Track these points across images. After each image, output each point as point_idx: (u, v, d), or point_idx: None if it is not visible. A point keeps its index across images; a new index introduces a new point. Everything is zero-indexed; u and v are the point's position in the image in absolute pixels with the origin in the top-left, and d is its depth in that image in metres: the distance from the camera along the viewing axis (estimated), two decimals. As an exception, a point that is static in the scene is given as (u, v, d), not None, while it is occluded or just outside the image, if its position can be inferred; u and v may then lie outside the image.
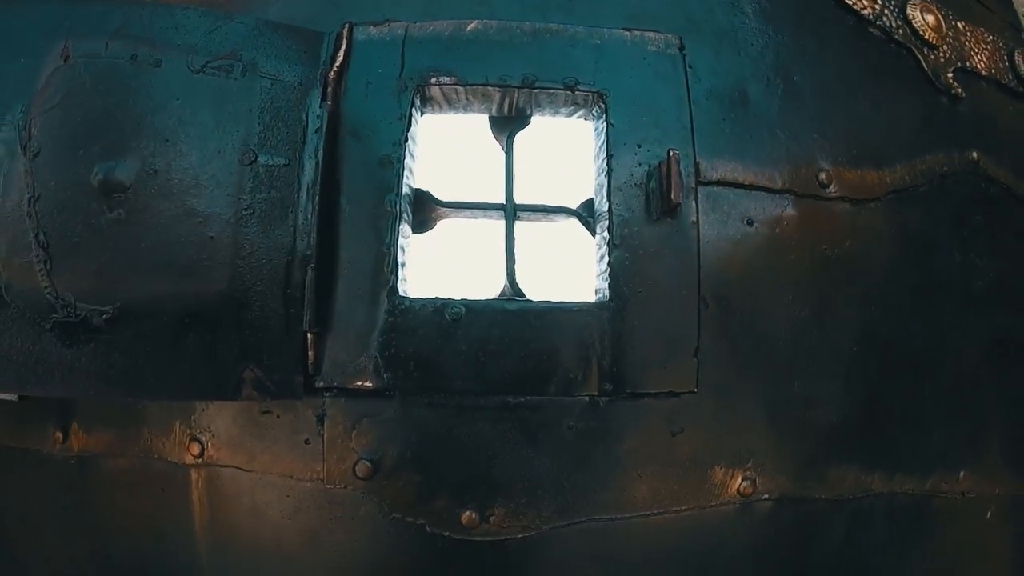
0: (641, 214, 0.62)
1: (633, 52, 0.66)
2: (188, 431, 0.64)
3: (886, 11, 0.82)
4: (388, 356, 0.59)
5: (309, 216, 0.59)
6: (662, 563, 0.66)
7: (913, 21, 0.83)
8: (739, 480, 0.63)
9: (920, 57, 0.82)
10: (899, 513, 0.73)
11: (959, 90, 0.83)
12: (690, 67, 0.67)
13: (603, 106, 0.64)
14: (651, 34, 0.67)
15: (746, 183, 0.66)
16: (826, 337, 0.67)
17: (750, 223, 0.65)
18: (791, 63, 0.72)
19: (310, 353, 0.58)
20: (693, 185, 0.63)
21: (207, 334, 0.58)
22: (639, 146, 0.63)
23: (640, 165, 0.63)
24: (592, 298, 0.63)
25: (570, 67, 0.65)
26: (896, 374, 0.72)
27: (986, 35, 0.93)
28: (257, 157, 0.60)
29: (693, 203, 0.63)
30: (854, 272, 0.69)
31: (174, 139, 0.60)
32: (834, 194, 0.69)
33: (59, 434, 0.70)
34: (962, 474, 0.76)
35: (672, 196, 0.60)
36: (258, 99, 0.61)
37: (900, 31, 0.82)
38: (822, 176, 0.69)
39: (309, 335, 0.58)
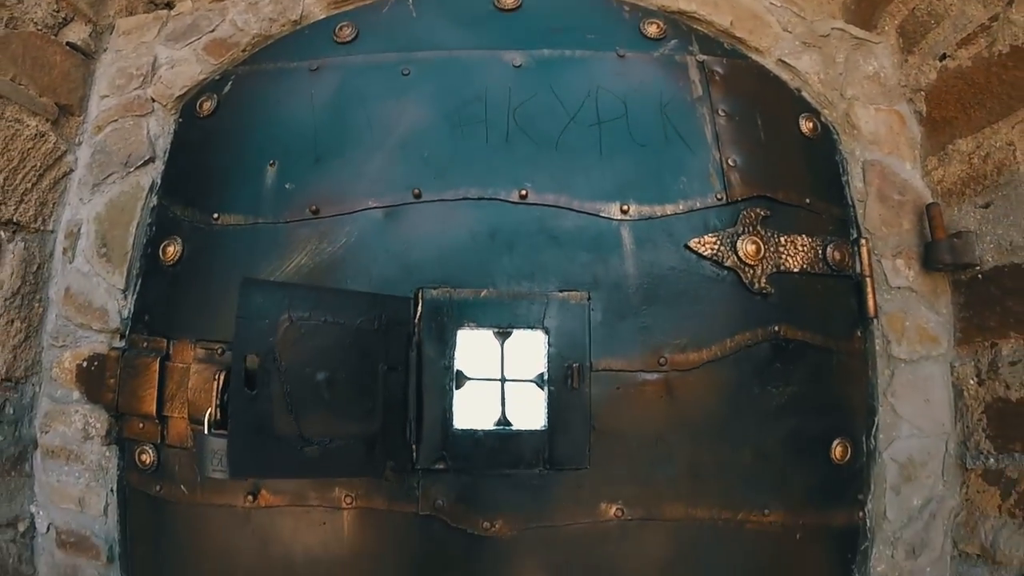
0: (563, 388, 1.31)
1: (563, 305, 1.33)
2: (343, 490, 1.39)
3: (721, 248, 1.42)
4: (449, 455, 1.32)
5: (412, 395, 1.32)
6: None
7: (739, 251, 1.42)
8: (614, 508, 1.35)
9: (740, 274, 1.42)
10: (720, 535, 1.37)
11: (769, 289, 1.43)
12: (592, 311, 1.33)
13: (547, 336, 1.32)
14: (573, 293, 1.33)
15: (617, 368, 1.33)
16: (666, 448, 1.34)
17: (618, 388, 1.33)
18: (650, 295, 1.36)
19: (414, 454, 1.33)
20: (587, 375, 1.31)
21: (371, 447, 1.33)
22: (563, 357, 1.31)
23: (564, 366, 1.31)
24: (539, 425, 1.33)
25: (532, 316, 1.32)
26: (713, 455, 1.37)
27: (803, 239, 1.49)
28: (387, 367, 1.32)
29: (587, 381, 1.31)
30: (683, 412, 1.35)
31: (349, 358, 1.32)
32: (669, 368, 1.35)
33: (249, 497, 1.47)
34: (767, 510, 1.38)
35: (574, 384, 1.29)
36: (385, 338, 1.33)
37: (729, 259, 1.41)
38: (661, 360, 1.34)
39: (413, 445, 1.33)
